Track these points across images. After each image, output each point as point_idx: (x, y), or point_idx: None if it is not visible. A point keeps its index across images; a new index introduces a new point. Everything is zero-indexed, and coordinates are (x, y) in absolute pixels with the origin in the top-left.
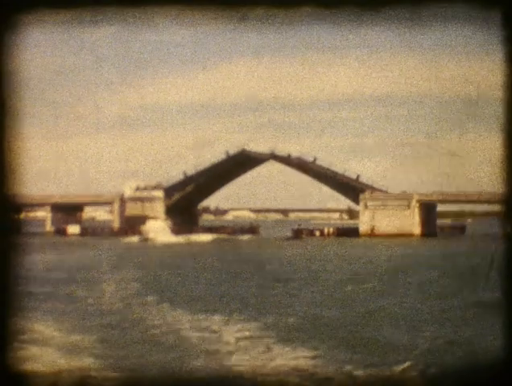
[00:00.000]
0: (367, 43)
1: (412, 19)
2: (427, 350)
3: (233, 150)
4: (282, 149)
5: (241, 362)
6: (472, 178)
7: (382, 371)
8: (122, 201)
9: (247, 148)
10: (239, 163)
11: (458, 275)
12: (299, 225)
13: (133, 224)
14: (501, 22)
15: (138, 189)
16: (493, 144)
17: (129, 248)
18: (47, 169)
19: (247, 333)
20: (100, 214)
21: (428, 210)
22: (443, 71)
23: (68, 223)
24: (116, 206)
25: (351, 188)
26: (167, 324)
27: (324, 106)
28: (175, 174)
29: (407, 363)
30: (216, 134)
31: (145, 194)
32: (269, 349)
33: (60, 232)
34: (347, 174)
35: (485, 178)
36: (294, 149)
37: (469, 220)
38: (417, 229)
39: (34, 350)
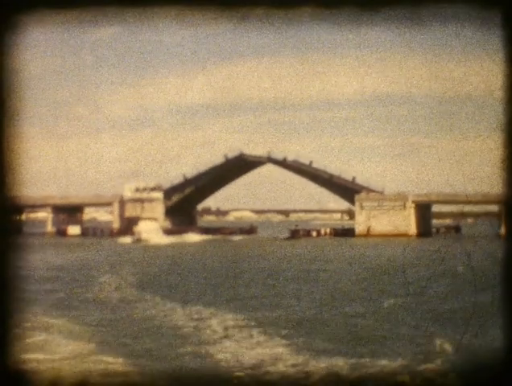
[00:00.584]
0: (367, 43)
1: (412, 19)
2: (427, 350)
3: (231, 152)
4: (283, 149)
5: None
6: (471, 178)
7: (381, 369)
8: (122, 202)
9: (245, 151)
10: (237, 166)
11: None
12: (296, 226)
13: (131, 225)
14: (501, 22)
15: (137, 190)
16: (493, 144)
17: (119, 249)
18: (47, 169)
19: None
20: (101, 214)
21: (424, 210)
22: (444, 71)
23: (68, 223)
24: (116, 207)
25: (347, 189)
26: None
27: (324, 106)
28: (174, 175)
29: (404, 362)
30: (216, 134)
31: (144, 195)
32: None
33: (61, 232)
34: (343, 175)
35: (484, 178)
36: (293, 149)
37: (470, 220)
38: (412, 229)
39: (34, 349)
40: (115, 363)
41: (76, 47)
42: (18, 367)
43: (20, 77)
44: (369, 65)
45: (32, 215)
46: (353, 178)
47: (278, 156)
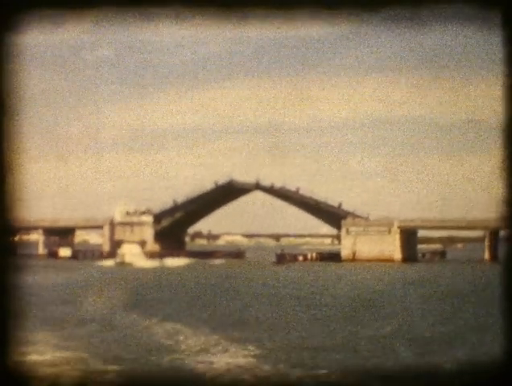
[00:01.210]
0: (367, 43)
1: (412, 19)
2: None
3: (222, 178)
4: (276, 173)
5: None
6: (458, 204)
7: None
8: (112, 225)
9: (234, 178)
10: (226, 192)
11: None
12: (282, 250)
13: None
14: (501, 22)
15: (128, 214)
16: (485, 168)
17: (100, 272)
18: (39, 190)
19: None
20: (92, 237)
21: (409, 235)
22: (444, 71)
23: (60, 245)
24: (106, 230)
25: (334, 215)
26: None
27: (316, 129)
28: (166, 198)
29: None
30: (215, 153)
31: (134, 219)
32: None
33: (52, 254)
34: (329, 201)
35: (471, 204)
36: (285, 172)
37: (459, 245)
38: (398, 254)
39: (34, 351)
40: (105, 369)
41: (75, 47)
42: (17, 369)
43: (20, 77)
44: (369, 65)
45: (25, 237)
46: (340, 204)
47: (267, 182)
